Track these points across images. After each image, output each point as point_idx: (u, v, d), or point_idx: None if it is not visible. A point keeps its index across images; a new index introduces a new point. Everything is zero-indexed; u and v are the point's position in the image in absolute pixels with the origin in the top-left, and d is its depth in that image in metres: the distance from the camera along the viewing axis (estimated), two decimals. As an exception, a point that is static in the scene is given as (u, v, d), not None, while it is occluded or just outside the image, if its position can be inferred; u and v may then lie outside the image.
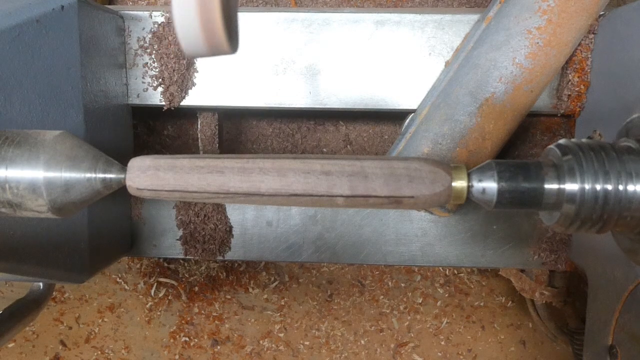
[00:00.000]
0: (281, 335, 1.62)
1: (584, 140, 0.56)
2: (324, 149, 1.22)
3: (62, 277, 0.84)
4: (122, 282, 1.64)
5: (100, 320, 1.65)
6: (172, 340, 1.64)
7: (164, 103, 1.00)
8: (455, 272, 1.58)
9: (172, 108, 1.01)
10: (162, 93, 1.00)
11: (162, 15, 0.97)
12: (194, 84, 1.00)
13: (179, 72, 0.98)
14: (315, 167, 0.55)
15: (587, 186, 0.53)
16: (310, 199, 0.55)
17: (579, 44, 0.91)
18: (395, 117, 1.12)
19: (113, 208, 1.00)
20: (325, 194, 0.54)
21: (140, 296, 1.64)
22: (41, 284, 1.10)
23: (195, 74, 1.00)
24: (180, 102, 1.01)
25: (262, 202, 0.56)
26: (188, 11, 0.40)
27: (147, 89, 1.00)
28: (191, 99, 1.01)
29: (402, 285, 1.59)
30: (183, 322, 1.63)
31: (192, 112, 1.09)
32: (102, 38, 0.90)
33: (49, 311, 1.65)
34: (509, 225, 1.05)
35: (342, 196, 0.55)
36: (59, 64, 0.79)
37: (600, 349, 0.84)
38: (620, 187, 0.53)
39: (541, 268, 1.09)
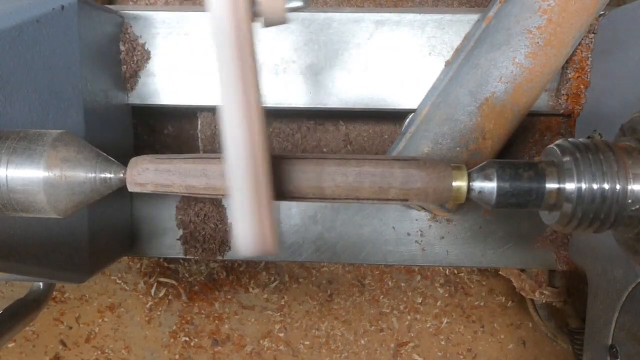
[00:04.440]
0: (281, 335, 1.62)
1: (583, 140, 0.56)
2: (324, 149, 1.21)
3: (62, 276, 0.84)
4: (122, 282, 1.64)
5: (100, 320, 1.65)
6: (172, 340, 1.64)
7: (164, 103, 1.00)
8: (455, 271, 1.58)
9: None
10: (162, 93, 1.00)
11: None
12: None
13: (179, 72, 0.98)
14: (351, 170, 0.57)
15: (584, 186, 0.53)
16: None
17: (579, 44, 0.91)
18: (396, 116, 1.12)
19: (113, 208, 1.00)
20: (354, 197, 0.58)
21: (140, 296, 1.64)
22: (41, 284, 1.10)
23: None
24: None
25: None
26: (247, 227, 0.49)
27: (147, 88, 1.00)
28: (191, 99, 1.01)
29: (402, 285, 1.59)
30: (183, 321, 1.63)
31: (192, 112, 1.09)
32: (102, 38, 0.90)
33: (49, 311, 1.65)
34: (509, 225, 1.05)
35: (369, 199, 0.57)
36: (59, 64, 0.79)
37: (600, 348, 0.84)
38: (618, 187, 0.53)
39: (541, 267, 1.09)
